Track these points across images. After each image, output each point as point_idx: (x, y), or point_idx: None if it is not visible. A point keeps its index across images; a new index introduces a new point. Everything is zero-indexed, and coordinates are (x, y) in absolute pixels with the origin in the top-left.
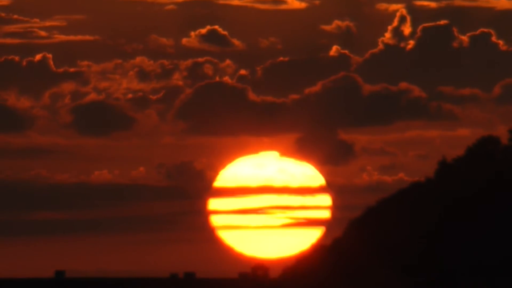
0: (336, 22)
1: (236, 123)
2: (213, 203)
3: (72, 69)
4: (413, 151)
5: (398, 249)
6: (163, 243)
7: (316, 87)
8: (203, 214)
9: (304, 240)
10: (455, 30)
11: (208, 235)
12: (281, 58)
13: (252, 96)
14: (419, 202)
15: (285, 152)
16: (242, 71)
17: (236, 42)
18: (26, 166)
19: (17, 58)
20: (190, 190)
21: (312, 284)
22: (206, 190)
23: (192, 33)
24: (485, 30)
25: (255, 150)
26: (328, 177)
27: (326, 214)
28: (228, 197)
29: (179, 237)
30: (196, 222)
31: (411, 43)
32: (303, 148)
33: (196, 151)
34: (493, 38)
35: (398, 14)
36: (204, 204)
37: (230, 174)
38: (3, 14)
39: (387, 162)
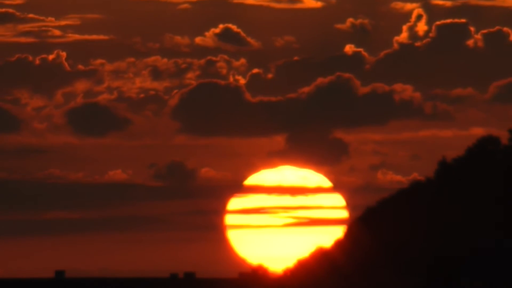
0: (352, 21)
1: (237, 123)
2: (235, 203)
3: (85, 68)
4: (407, 151)
5: (398, 249)
6: (163, 243)
7: (310, 87)
8: (204, 214)
9: (323, 239)
10: (470, 29)
11: (210, 234)
12: (296, 58)
13: (248, 96)
14: (419, 202)
15: (278, 153)
16: (255, 70)
17: (251, 41)
18: (40, 165)
19: (30, 57)
20: (191, 190)
21: (312, 284)
22: (210, 190)
23: (206, 32)
24: (502, 29)
25: (259, 152)
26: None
27: (336, 214)
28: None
29: (179, 237)
30: (197, 222)
31: (426, 42)
32: (296, 149)
33: (196, 152)
34: (511, 38)
35: (413, 13)
36: (206, 204)
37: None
38: (18, 13)
39: (384, 162)
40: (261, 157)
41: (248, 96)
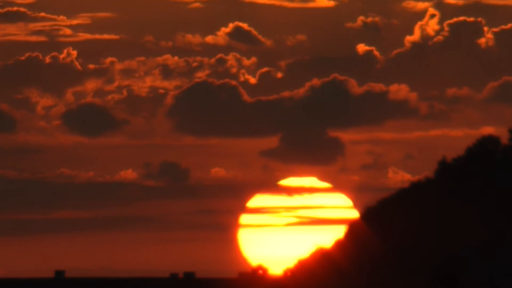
0: (364, 21)
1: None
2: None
3: (96, 67)
4: (404, 151)
5: (398, 249)
6: (163, 243)
7: (305, 88)
8: (206, 214)
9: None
10: (482, 27)
11: (215, 234)
12: (306, 57)
13: (245, 96)
14: (419, 201)
15: (276, 153)
16: (265, 69)
17: (262, 39)
18: (51, 165)
19: (41, 56)
20: (193, 191)
21: (312, 284)
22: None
23: (218, 31)
24: None
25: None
26: (319, 176)
27: (343, 214)
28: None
29: (179, 237)
30: (201, 221)
31: (437, 41)
32: (291, 149)
33: (201, 152)
34: None
35: (426, 11)
36: (208, 204)
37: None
38: (29, 12)
39: (380, 162)
40: (266, 157)
41: (246, 96)
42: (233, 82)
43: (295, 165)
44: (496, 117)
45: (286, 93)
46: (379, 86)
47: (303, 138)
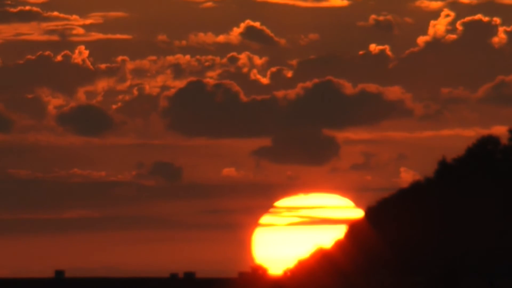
0: (377, 20)
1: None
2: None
3: (108, 66)
4: (400, 151)
5: (398, 249)
6: (163, 243)
7: (297, 89)
8: (206, 214)
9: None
10: (495, 27)
11: (209, 234)
12: (319, 55)
13: (242, 96)
14: (419, 202)
15: (264, 154)
16: (277, 68)
17: (275, 38)
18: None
19: (52, 55)
20: (196, 190)
21: (312, 284)
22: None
23: (230, 31)
24: None
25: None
26: (314, 176)
27: (347, 214)
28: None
29: (179, 237)
30: (197, 221)
31: (450, 41)
32: (287, 150)
33: (195, 152)
34: None
35: (439, 11)
36: (208, 205)
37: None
38: (43, 12)
39: (376, 162)
40: (268, 157)
41: (243, 96)
42: (229, 81)
43: (288, 165)
44: (496, 117)
45: (290, 91)
46: (373, 87)
47: (297, 138)
